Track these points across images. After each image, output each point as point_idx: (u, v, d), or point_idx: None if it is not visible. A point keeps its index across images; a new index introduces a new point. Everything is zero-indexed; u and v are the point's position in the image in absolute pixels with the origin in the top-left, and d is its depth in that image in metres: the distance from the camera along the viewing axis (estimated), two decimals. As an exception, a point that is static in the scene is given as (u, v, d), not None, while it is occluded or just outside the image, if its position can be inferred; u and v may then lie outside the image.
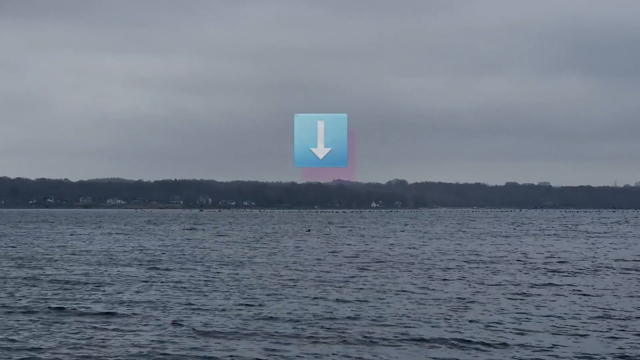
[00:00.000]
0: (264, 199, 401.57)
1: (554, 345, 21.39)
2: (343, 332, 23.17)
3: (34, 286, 35.20)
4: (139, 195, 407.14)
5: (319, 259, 51.09)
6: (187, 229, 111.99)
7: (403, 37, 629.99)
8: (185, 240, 77.53)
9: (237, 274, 40.90)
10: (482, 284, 36.00)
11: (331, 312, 26.85)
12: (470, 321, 25.14)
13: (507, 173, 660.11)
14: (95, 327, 24.19)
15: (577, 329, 23.83)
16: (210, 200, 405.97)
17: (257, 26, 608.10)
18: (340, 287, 34.53)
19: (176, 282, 36.70)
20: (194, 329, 23.76)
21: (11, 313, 27.03)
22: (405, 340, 22.20)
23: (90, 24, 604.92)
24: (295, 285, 35.06)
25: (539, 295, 31.86)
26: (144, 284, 35.99)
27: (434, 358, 20.23)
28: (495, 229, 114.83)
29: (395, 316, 26.07)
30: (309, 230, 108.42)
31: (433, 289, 33.67)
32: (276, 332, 23.31)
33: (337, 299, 30.26)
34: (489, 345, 21.52)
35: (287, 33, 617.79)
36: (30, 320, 25.62)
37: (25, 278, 38.86)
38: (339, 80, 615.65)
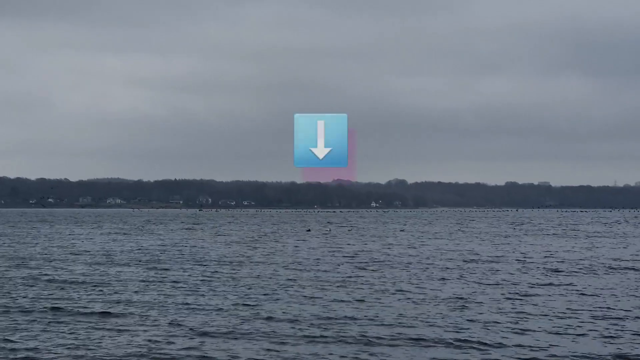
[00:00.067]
0: (264, 199, 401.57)
1: (552, 345, 21.35)
2: (341, 332, 23.13)
3: (32, 286, 35.16)
4: (138, 195, 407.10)
5: (318, 259, 51.06)
6: (186, 229, 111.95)
7: (403, 37, 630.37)
8: (184, 240, 77.50)
9: (235, 273, 40.86)
10: (481, 283, 35.97)
11: (330, 312, 26.81)
12: (469, 321, 25.11)
13: (507, 173, 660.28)
14: (93, 327, 24.15)
15: (576, 329, 23.79)
16: (210, 200, 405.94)
17: (257, 26, 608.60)
18: (339, 286, 34.50)
19: (174, 281, 36.67)
20: (192, 329, 23.73)
21: (9, 313, 26.99)
22: (404, 340, 22.16)
23: (90, 24, 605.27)
24: (293, 285, 35.02)
25: (537, 295, 31.82)
26: (142, 283, 35.96)
27: (433, 358, 20.20)
28: (495, 228, 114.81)
29: (393, 316, 26.03)
30: (309, 230, 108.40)
31: (432, 289, 33.63)
32: (274, 332, 23.28)
33: (335, 299, 30.22)
34: (487, 345, 21.48)
35: (287, 33, 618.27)
36: (28, 320, 25.57)
37: (23, 278, 38.81)
38: (339, 80, 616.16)
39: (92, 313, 26.90)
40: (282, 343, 21.75)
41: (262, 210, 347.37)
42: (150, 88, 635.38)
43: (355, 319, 25.47)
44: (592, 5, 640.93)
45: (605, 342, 21.82)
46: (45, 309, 27.73)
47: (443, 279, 38.09)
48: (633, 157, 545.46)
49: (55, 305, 28.47)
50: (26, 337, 22.60)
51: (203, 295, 31.62)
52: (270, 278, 38.32)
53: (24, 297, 31.07)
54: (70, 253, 57.79)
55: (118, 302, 29.65)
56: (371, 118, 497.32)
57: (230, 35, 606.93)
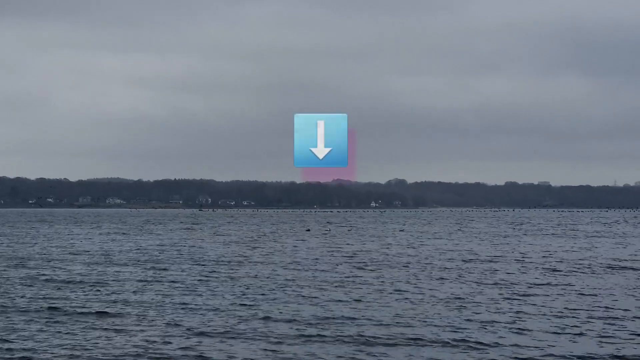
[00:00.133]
0: (264, 199, 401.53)
1: (550, 345, 21.31)
2: (339, 332, 23.09)
3: (30, 286, 35.12)
4: (138, 195, 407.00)
5: (316, 259, 51.02)
6: (185, 229, 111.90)
7: (403, 37, 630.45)
8: (183, 240, 77.45)
9: (234, 273, 40.82)
10: (480, 283, 35.93)
11: (327, 312, 26.77)
12: (467, 320, 25.07)
13: (506, 173, 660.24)
14: (90, 327, 24.12)
15: (574, 328, 23.75)
16: (209, 200, 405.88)
17: (257, 26, 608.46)
18: (337, 286, 34.46)
19: (172, 281, 36.63)
20: (189, 329, 23.69)
21: (7, 313, 26.95)
22: (403, 339, 22.12)
23: (90, 24, 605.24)
24: (292, 285, 34.98)
25: (536, 294, 31.78)
26: (140, 283, 35.92)
27: (431, 358, 20.16)
28: (494, 228, 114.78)
29: (391, 316, 25.99)
30: (309, 230, 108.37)
31: (430, 289, 33.59)
32: (272, 332, 23.23)
33: (333, 299, 30.18)
34: (485, 344, 21.44)
35: (287, 33, 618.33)
36: (26, 320, 25.53)
37: (21, 278, 38.77)
38: (339, 80, 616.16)
39: (89, 313, 26.86)
40: (280, 343, 21.71)
41: (262, 210, 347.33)
42: (150, 88, 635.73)
43: (353, 318, 25.43)
44: (592, 5, 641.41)
45: (603, 342, 21.78)
46: (42, 309, 27.69)
47: (442, 278, 38.05)
48: (633, 157, 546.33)
49: (53, 305, 28.43)
50: (23, 337, 22.55)
51: (201, 295, 31.58)
52: (269, 278, 38.28)
53: (22, 297, 31.03)
54: (69, 253, 57.74)
55: (116, 302, 29.61)
56: (371, 118, 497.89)
57: (230, 35, 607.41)
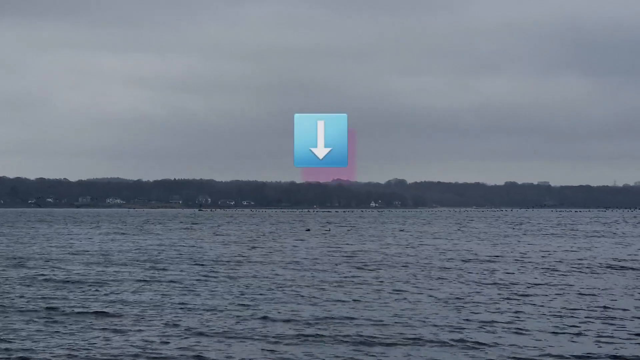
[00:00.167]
0: (263, 199, 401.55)
1: (550, 345, 21.29)
2: (338, 332, 23.06)
3: (29, 286, 35.09)
4: (138, 195, 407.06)
5: (316, 259, 50.99)
6: (185, 229, 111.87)
7: (403, 37, 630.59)
8: (182, 240, 77.42)
9: (233, 273, 40.79)
10: (479, 283, 35.91)
11: (326, 312, 26.75)
12: (466, 320, 25.04)
13: (506, 173, 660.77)
14: (89, 327, 24.09)
15: (573, 328, 23.72)
16: (209, 200, 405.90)
17: (257, 26, 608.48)
18: (337, 286, 34.44)
19: (171, 281, 36.60)
20: (188, 329, 23.66)
21: (6, 313, 26.92)
22: (402, 339, 22.10)
23: (89, 24, 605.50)
24: (291, 285, 34.96)
25: (535, 294, 31.76)
26: (139, 283, 35.90)
27: (431, 358, 20.13)
28: (494, 228, 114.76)
29: (391, 316, 25.97)
30: (309, 230, 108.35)
31: (429, 289, 33.58)
32: (272, 332, 23.21)
33: (332, 299, 30.16)
34: (485, 344, 21.41)
35: (287, 33, 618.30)
36: (24, 320, 25.50)
37: (20, 278, 38.74)
38: (339, 80, 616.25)
39: (88, 313, 26.83)
40: (278, 343, 21.68)
41: (262, 210, 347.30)
42: (150, 88, 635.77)
43: (352, 318, 25.40)
44: (592, 5, 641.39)
45: (602, 342, 21.75)
46: (41, 309, 27.65)
47: (441, 278, 38.03)
48: (632, 157, 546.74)
49: (52, 305, 28.40)
50: (22, 337, 22.52)
51: (199, 295, 31.56)
52: (268, 278, 38.26)
53: (21, 297, 31.00)
54: (68, 253, 57.71)
55: (114, 302, 29.58)
56: (371, 118, 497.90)
57: (230, 35, 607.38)
